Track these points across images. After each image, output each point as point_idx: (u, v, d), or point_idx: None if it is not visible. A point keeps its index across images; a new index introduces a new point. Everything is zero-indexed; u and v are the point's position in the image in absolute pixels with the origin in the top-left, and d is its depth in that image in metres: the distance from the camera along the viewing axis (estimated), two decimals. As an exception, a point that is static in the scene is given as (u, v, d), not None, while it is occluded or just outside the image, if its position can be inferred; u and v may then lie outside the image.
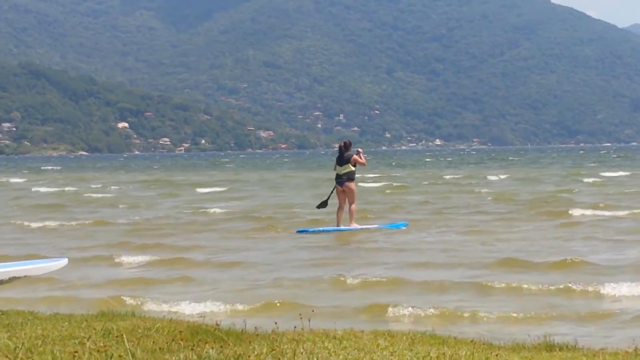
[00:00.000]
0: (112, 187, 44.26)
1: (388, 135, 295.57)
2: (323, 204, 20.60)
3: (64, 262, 14.42)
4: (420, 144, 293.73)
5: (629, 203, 25.82)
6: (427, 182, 43.70)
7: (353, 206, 19.62)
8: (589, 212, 22.77)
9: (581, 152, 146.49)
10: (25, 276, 13.73)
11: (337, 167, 19.82)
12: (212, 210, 26.20)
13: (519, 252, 15.07)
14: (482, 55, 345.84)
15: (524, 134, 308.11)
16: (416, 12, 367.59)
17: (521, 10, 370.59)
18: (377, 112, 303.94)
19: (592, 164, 72.09)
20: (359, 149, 20.17)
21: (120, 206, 29.71)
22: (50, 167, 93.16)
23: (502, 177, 47.33)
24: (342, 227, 19.38)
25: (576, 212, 22.63)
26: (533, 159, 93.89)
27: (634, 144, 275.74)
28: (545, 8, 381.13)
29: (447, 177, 49.70)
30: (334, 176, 20.22)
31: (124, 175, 63.91)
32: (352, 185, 19.64)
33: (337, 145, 20.30)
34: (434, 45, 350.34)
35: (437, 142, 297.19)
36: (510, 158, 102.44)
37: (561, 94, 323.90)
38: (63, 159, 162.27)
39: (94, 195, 37.27)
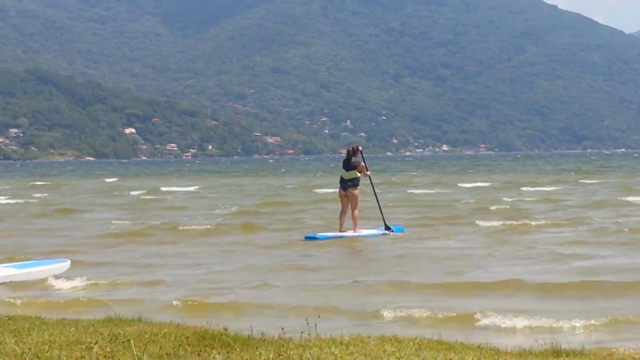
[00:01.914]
0: (75, 196, 42.00)
1: (395, 141, 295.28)
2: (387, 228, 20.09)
3: (66, 264, 14.24)
4: (427, 149, 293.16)
5: (551, 214, 24.28)
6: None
7: (356, 212, 19.64)
8: (495, 223, 21.37)
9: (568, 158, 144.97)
10: (24, 280, 13.33)
11: (344, 171, 19.82)
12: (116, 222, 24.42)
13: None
14: (489, 60, 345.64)
15: (531, 139, 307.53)
16: (423, 17, 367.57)
17: (528, 16, 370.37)
18: (384, 117, 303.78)
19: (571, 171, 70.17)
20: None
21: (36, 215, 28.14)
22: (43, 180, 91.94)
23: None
24: (347, 234, 19.37)
25: (483, 223, 21.38)
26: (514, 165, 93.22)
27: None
28: (552, 14, 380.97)
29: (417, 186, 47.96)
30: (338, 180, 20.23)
31: (97, 182, 63.21)
32: (356, 191, 19.65)
33: (344, 151, 20.23)
34: (440, 51, 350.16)
35: (444, 147, 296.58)
36: (500, 164, 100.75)
37: (568, 100, 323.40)
38: (65, 165, 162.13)
39: (35, 205, 34.96)
